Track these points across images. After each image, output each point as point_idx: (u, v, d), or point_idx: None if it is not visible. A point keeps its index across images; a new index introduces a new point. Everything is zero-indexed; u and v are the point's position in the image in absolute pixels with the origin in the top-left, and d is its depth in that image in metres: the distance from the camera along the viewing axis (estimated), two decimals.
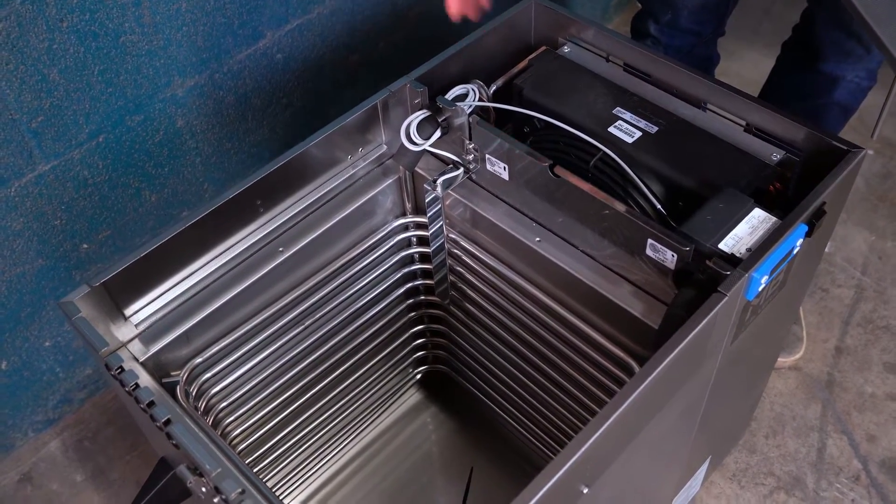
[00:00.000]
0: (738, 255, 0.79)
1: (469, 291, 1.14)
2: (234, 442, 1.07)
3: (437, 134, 0.96)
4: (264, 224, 0.96)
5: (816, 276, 1.59)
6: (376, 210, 1.06)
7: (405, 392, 1.40)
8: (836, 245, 1.64)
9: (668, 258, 0.82)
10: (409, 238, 1.13)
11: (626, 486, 0.90)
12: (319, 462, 1.30)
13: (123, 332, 0.87)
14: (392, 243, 1.11)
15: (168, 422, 0.77)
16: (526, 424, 1.26)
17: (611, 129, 0.95)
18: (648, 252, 0.84)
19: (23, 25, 1.02)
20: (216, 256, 0.92)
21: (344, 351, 1.16)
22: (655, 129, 0.94)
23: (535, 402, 1.18)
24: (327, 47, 1.42)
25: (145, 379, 0.81)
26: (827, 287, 1.58)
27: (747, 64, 2.00)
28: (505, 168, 0.95)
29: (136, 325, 0.88)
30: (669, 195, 0.91)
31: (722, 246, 0.80)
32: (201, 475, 0.75)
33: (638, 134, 0.94)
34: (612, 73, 1.04)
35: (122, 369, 0.82)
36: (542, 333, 1.05)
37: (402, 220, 1.10)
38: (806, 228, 0.81)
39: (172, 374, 0.91)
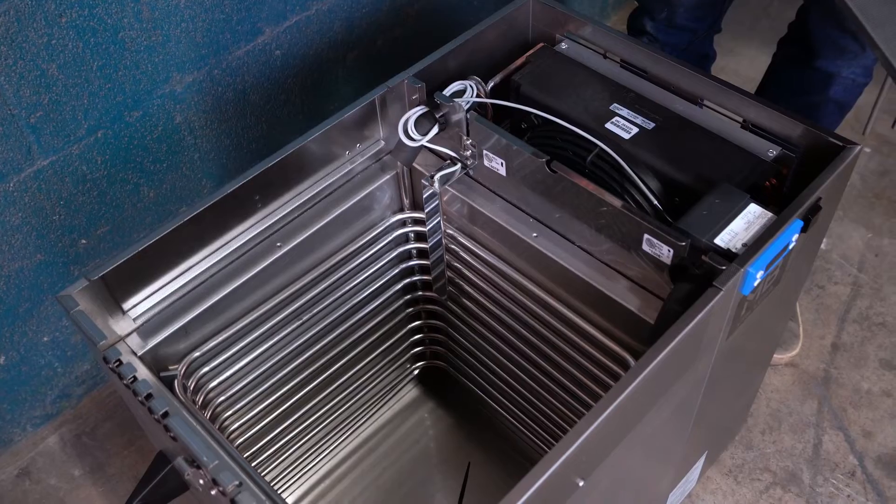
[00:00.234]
0: (733, 250, 0.79)
1: (466, 287, 1.14)
2: (232, 436, 1.07)
3: (435, 130, 0.96)
4: (262, 219, 0.96)
5: (813, 273, 1.59)
6: (374, 206, 1.06)
7: (403, 387, 1.40)
8: (833, 242, 1.65)
9: (664, 253, 0.83)
10: (406, 234, 1.13)
11: (621, 480, 0.90)
12: (317, 457, 1.31)
13: (121, 325, 0.87)
14: (390, 239, 1.12)
15: (166, 414, 0.77)
16: (523, 420, 1.26)
17: (608, 126, 0.95)
18: (645, 247, 0.84)
19: (21, 20, 1.03)
20: (214, 251, 0.93)
21: (342, 346, 1.16)
22: (652, 125, 0.95)
23: (532, 398, 1.19)
24: (326, 44, 1.42)
25: (143, 372, 0.82)
26: (823, 284, 1.58)
27: (745, 61, 2.00)
28: (502, 164, 0.95)
29: (135, 319, 0.88)
30: (666, 191, 0.91)
31: (718, 241, 0.80)
32: (199, 467, 0.76)
33: (635, 130, 0.94)
34: (610, 69, 1.04)
35: (121, 362, 0.82)
36: (539, 329, 1.05)
37: (399, 216, 1.10)
38: (801, 224, 0.81)
39: (170, 367, 0.92)
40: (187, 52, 1.23)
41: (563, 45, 1.08)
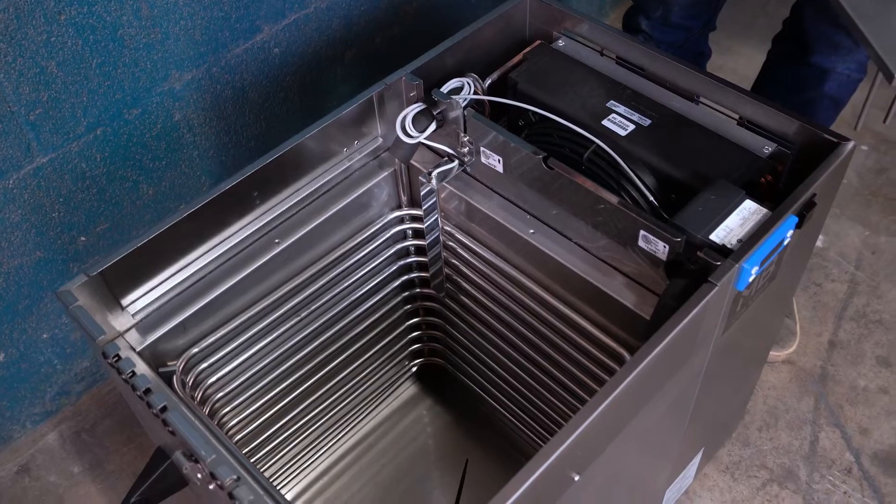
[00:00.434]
0: (728, 245, 0.79)
1: (464, 284, 1.14)
2: (231, 432, 1.08)
3: (433, 127, 0.97)
4: (261, 215, 0.96)
5: (810, 270, 1.60)
6: (372, 202, 1.07)
7: (401, 384, 1.41)
8: (830, 240, 1.65)
9: (660, 249, 0.83)
10: (404, 230, 1.14)
11: (617, 475, 0.91)
12: (315, 453, 1.31)
13: (120, 321, 0.88)
14: (388, 236, 1.12)
15: (164, 409, 0.78)
16: (521, 416, 1.27)
17: (604, 122, 0.96)
18: (641, 243, 0.85)
19: (21, 18, 1.03)
20: (213, 247, 0.93)
21: (340, 343, 1.17)
22: (648, 122, 0.95)
23: (529, 394, 1.19)
24: (324, 41, 1.43)
25: (142, 367, 0.82)
26: (820, 281, 1.59)
27: (743, 59, 2.01)
28: (499, 161, 0.95)
29: (133, 315, 0.89)
30: (662, 187, 0.92)
31: (713, 237, 0.80)
32: (197, 462, 0.76)
33: (631, 127, 0.95)
34: (606, 66, 1.04)
35: (119, 358, 0.82)
36: (536, 325, 1.05)
37: (397, 213, 1.11)
38: (796, 220, 0.82)
39: (169, 363, 0.92)
40: (186, 50, 1.23)
41: (560, 43, 1.08)
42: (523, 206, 0.98)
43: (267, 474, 1.22)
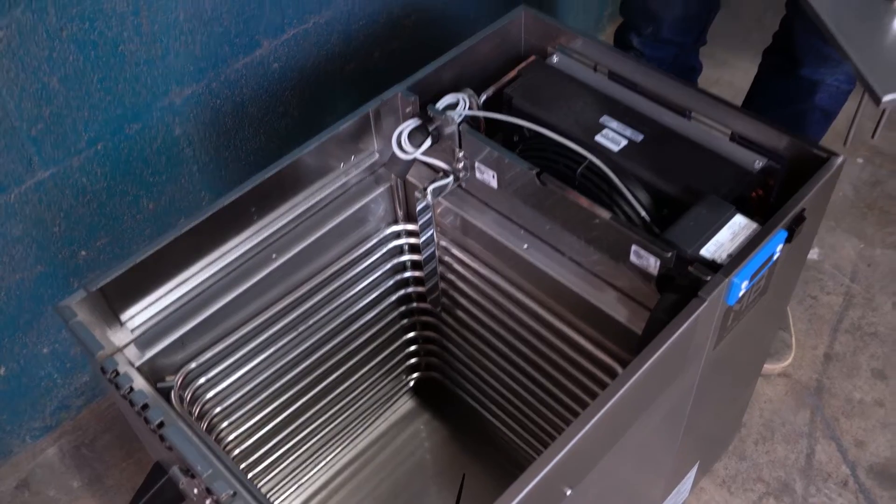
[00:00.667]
0: (718, 260, 0.80)
1: (460, 298, 1.15)
2: (228, 447, 1.08)
3: (428, 142, 0.98)
4: (258, 231, 0.97)
5: (805, 283, 1.61)
6: (368, 218, 1.08)
7: (398, 399, 1.41)
8: (825, 252, 1.66)
9: (651, 264, 0.84)
10: (400, 246, 1.15)
11: (611, 490, 0.91)
12: (313, 468, 1.32)
13: (119, 336, 0.89)
14: (384, 251, 1.13)
15: (162, 424, 0.78)
16: (517, 431, 1.27)
17: (597, 138, 0.97)
18: (632, 258, 0.86)
19: (23, 34, 1.04)
20: (211, 262, 0.94)
21: (337, 357, 1.17)
22: (641, 137, 0.96)
23: (525, 408, 1.20)
24: (323, 56, 1.44)
25: (140, 383, 0.83)
26: (816, 294, 1.59)
27: (739, 72, 2.02)
28: (494, 176, 0.96)
29: (132, 330, 0.90)
30: (654, 202, 0.93)
31: (703, 252, 0.81)
32: (193, 477, 0.77)
33: (624, 142, 0.96)
34: (600, 82, 1.05)
35: (118, 373, 0.83)
36: (530, 339, 1.06)
37: (393, 228, 1.12)
38: (786, 234, 0.83)
39: (167, 378, 0.93)
40: (186, 65, 1.24)
41: (555, 59, 1.09)
42: (517, 220, 0.99)
43: (265, 489, 1.22)
